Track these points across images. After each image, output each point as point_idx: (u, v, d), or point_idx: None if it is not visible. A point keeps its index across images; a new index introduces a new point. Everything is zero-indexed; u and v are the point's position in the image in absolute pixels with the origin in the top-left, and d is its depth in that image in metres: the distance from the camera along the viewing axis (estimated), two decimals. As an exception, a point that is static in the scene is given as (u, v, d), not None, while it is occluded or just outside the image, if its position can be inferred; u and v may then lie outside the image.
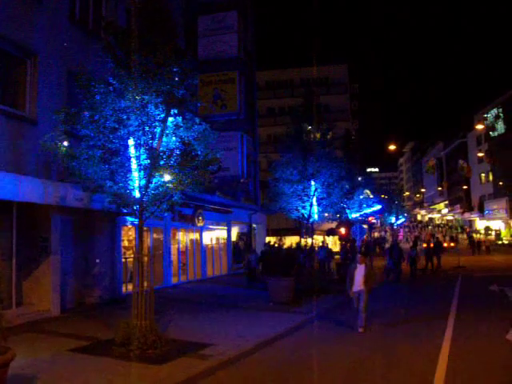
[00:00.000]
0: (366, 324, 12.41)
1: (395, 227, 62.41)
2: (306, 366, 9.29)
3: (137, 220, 10.51)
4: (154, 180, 10.12)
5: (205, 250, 24.83)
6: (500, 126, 60.49)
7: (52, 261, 13.65)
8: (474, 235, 56.60)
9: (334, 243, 46.68)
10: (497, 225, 61.42)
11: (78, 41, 15.20)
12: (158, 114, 9.99)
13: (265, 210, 32.38)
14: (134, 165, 10.10)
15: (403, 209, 67.64)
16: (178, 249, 22.58)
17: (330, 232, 41.13)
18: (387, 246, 39.54)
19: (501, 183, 59.73)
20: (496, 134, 61.58)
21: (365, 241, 37.55)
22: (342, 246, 34.50)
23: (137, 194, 10.17)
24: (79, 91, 10.09)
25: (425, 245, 34.14)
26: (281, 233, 40.17)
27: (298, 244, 30.56)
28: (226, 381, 8.62)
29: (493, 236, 59.06)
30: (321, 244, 33.70)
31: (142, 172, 10.04)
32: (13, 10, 12.71)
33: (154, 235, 20.23)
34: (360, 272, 12.65)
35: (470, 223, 76.89)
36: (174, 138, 10.30)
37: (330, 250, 30.08)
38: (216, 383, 8.48)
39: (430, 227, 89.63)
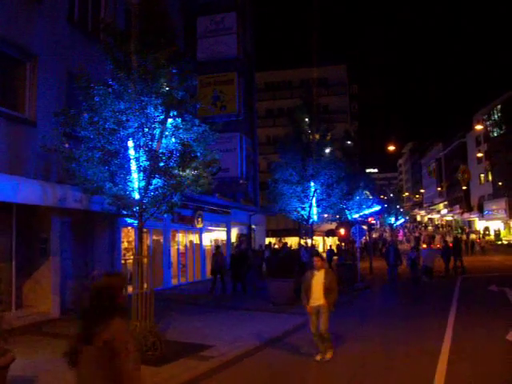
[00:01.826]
0: (328, 349, 9.71)
1: (394, 228, 62.37)
2: (307, 367, 9.29)
3: (136, 221, 10.50)
4: (154, 181, 10.12)
5: (204, 251, 24.83)
6: (499, 127, 60.47)
7: (52, 262, 13.65)
8: (473, 236, 56.56)
9: (333, 244, 46.76)
10: (496, 225, 61.41)
11: (78, 42, 15.19)
12: (158, 116, 9.99)
13: (264, 211, 32.37)
14: (133, 166, 10.09)
15: (403, 209, 67.58)
16: (178, 250, 22.58)
17: (330, 233, 41.19)
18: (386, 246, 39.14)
19: (500, 184, 59.75)
20: (495, 134, 61.59)
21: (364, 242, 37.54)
22: (330, 247, 34.17)
23: (136, 196, 10.16)
24: (78, 93, 10.10)
25: (427, 245, 32.65)
26: (280, 234, 40.23)
27: (285, 244, 30.39)
28: (227, 382, 8.62)
29: (492, 236, 59.06)
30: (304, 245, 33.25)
31: (142, 173, 10.03)
32: (12, 11, 12.71)
33: (154, 237, 20.22)
34: (319, 280, 9.63)
35: (470, 224, 76.88)
36: (173, 140, 10.29)
37: (316, 252, 29.89)
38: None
39: (430, 228, 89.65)
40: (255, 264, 19.05)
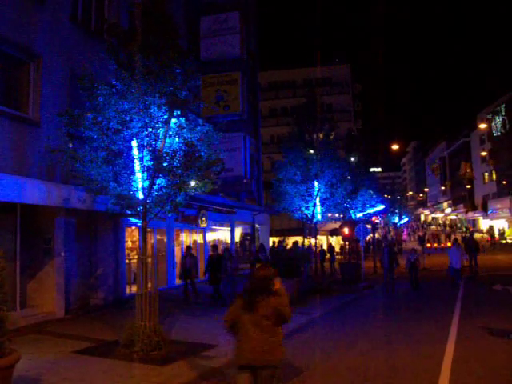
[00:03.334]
0: None
1: (398, 227, 62.29)
2: (309, 367, 9.28)
3: (140, 221, 10.51)
4: (158, 181, 10.13)
5: (208, 250, 24.81)
6: (503, 125, 60.27)
7: (56, 262, 13.67)
8: (478, 235, 56.34)
9: (337, 243, 46.73)
10: (501, 224, 61.24)
11: (81, 43, 15.22)
12: (161, 116, 10.00)
13: (268, 211, 32.38)
14: (137, 166, 10.10)
15: (407, 208, 67.52)
16: (182, 250, 22.58)
17: (334, 232, 41.13)
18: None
19: (504, 182, 59.59)
20: (499, 133, 61.41)
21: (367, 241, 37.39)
22: (321, 246, 33.67)
23: (140, 196, 10.18)
24: (82, 93, 10.10)
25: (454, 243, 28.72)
26: (284, 233, 40.21)
27: (280, 242, 30.08)
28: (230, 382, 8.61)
29: (496, 235, 58.84)
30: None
31: (146, 173, 10.04)
32: (15, 12, 12.73)
33: (158, 236, 20.24)
34: None
35: (474, 222, 76.75)
36: (177, 139, 10.30)
37: (304, 252, 29.39)
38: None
39: (433, 227, 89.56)
40: (229, 267, 17.38)
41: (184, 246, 22.25)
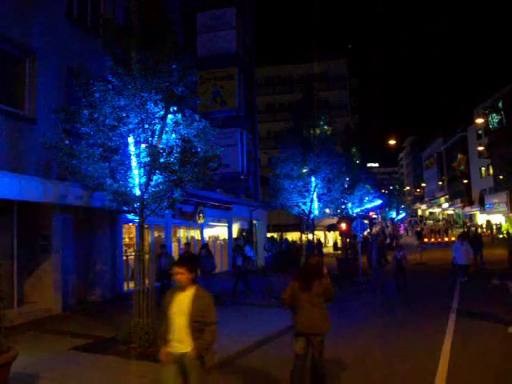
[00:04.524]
0: None
1: (396, 222, 62.34)
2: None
3: (137, 218, 10.50)
4: (155, 177, 10.11)
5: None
6: (500, 120, 60.26)
7: (53, 259, 13.66)
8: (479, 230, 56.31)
9: (334, 239, 46.80)
10: (497, 219, 61.30)
11: (77, 39, 15.15)
12: (158, 112, 9.97)
13: (265, 206, 32.34)
14: (133, 162, 10.08)
15: (404, 203, 67.60)
16: (179, 246, 22.57)
17: (331, 227, 41.17)
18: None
19: (501, 177, 59.61)
20: (496, 127, 61.36)
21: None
22: (309, 241, 33.01)
23: (137, 192, 10.16)
24: (78, 89, 10.08)
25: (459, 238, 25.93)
26: (282, 229, 40.20)
27: (272, 238, 29.84)
28: (229, 377, 8.60)
29: (494, 229, 58.90)
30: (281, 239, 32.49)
31: (142, 169, 10.02)
32: (11, 8, 12.67)
33: (155, 233, 20.21)
34: (182, 308, 5.41)
35: (471, 217, 76.87)
36: (173, 136, 10.28)
37: (292, 245, 29.01)
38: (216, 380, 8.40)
39: (430, 221, 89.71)
40: (207, 267, 16.11)
41: (181, 242, 22.28)
